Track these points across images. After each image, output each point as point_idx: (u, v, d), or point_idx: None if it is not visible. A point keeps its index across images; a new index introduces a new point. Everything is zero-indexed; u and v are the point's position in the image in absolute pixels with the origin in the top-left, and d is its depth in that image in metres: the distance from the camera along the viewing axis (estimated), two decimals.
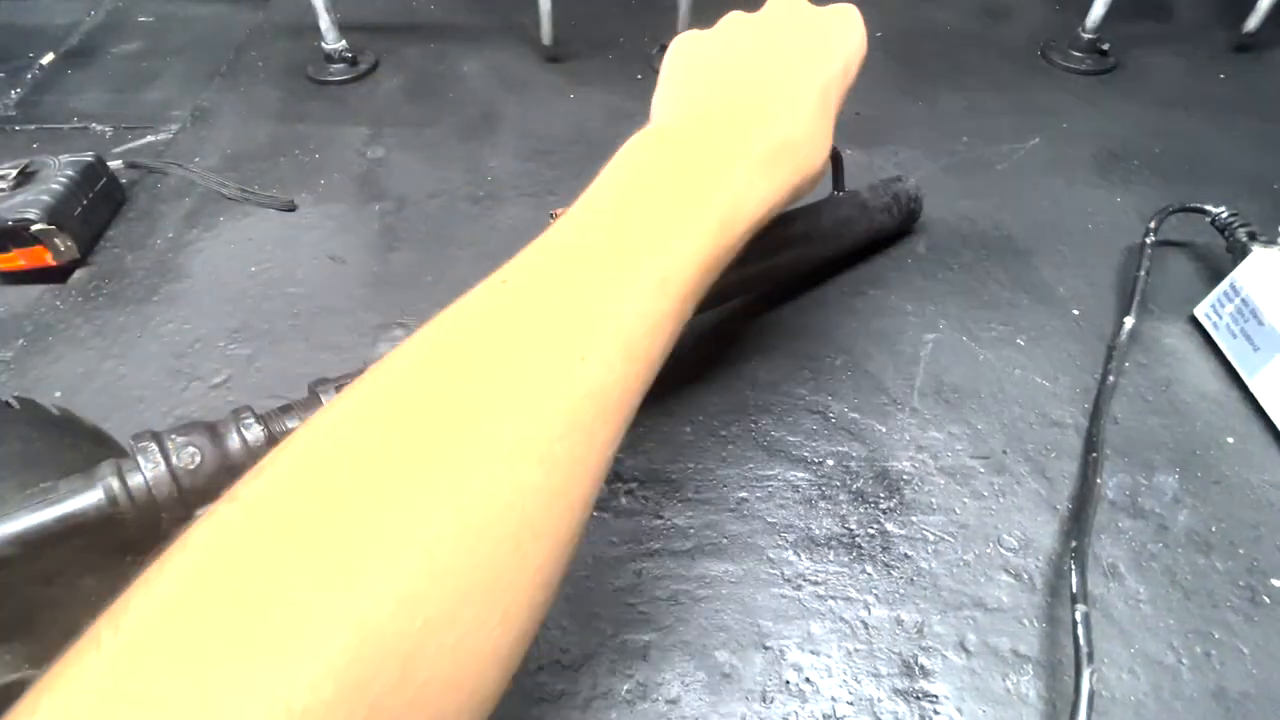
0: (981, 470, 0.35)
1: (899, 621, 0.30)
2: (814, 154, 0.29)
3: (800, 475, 0.35)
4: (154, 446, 0.24)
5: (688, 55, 0.31)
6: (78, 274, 0.44)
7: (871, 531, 0.33)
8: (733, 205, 0.24)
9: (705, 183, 0.24)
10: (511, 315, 0.20)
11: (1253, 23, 0.61)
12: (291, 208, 0.49)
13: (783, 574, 0.31)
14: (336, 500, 0.16)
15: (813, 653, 0.29)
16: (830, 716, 0.28)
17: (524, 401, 0.18)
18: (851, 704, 0.28)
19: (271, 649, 0.14)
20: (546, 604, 0.18)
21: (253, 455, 0.25)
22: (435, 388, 0.18)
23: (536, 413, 0.18)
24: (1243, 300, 0.38)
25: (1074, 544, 0.31)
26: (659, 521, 0.33)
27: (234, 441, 0.25)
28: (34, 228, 0.41)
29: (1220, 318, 0.39)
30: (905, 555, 0.32)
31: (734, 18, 0.32)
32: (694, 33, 0.32)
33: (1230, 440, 0.36)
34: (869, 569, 0.32)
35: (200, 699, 0.13)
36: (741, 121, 0.27)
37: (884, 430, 0.36)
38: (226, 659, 0.14)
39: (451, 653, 0.15)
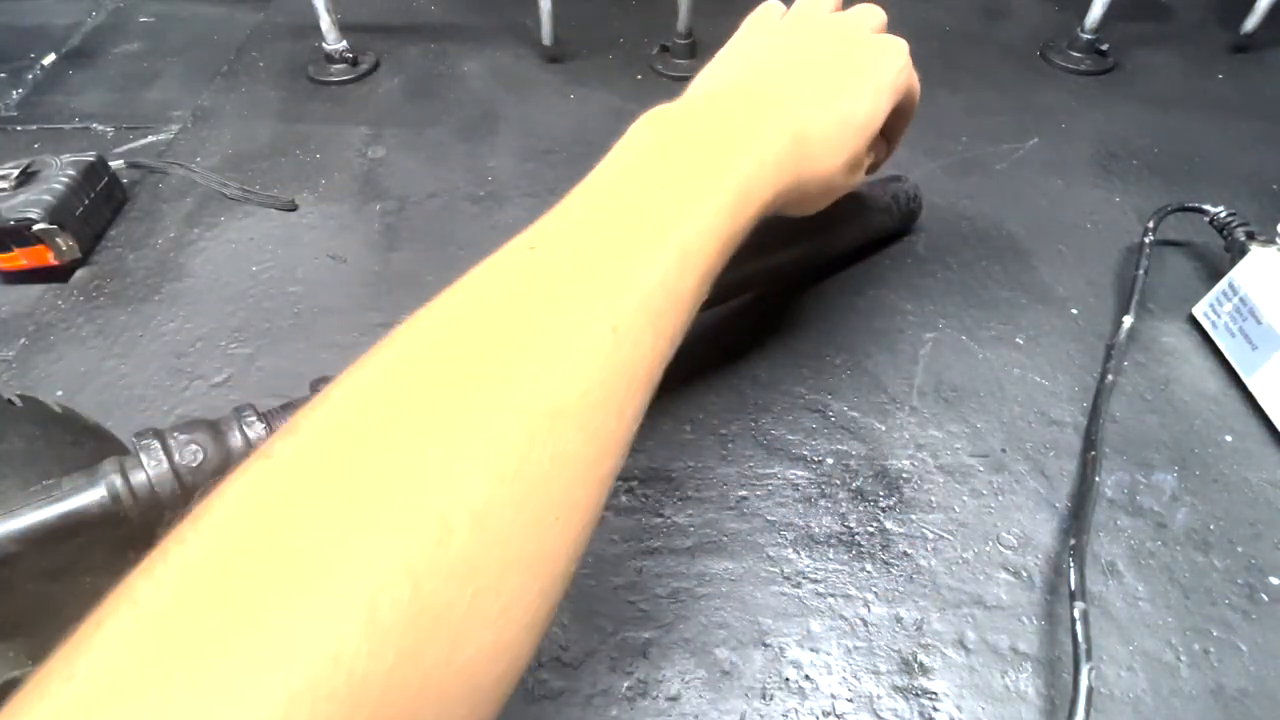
0: (980, 468, 0.35)
1: (898, 619, 0.30)
2: (826, 158, 0.29)
3: (800, 473, 0.35)
4: (156, 444, 0.24)
5: (751, 33, 0.33)
6: (79, 273, 0.44)
7: (871, 529, 0.33)
8: (745, 185, 0.24)
9: (721, 160, 0.24)
10: (544, 283, 0.20)
11: (1251, 23, 0.61)
12: (292, 207, 0.49)
13: (782, 572, 0.32)
14: (381, 461, 0.16)
15: (812, 650, 0.29)
16: (830, 713, 0.28)
17: (561, 369, 0.18)
18: (851, 701, 0.28)
19: (329, 613, 0.13)
20: (572, 576, 0.18)
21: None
22: (470, 350, 0.18)
23: (574, 381, 0.18)
24: (1241, 299, 0.38)
25: (1073, 542, 0.31)
26: (659, 519, 0.33)
27: (236, 439, 0.25)
28: (36, 227, 0.41)
29: (1219, 317, 0.39)
30: (904, 553, 0.32)
31: (804, 9, 0.33)
32: (773, 7, 0.34)
33: (1229, 439, 0.36)
34: (868, 567, 0.32)
35: (252, 659, 0.13)
36: (760, 107, 0.27)
37: (883, 429, 0.37)
38: (281, 619, 0.13)
39: (496, 622, 0.15)
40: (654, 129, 0.25)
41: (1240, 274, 0.38)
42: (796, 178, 0.28)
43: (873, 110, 0.31)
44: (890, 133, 0.36)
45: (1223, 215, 0.42)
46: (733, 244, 0.24)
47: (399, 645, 0.14)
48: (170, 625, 0.13)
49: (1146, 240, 0.44)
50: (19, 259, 0.43)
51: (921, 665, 0.29)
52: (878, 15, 0.34)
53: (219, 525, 0.15)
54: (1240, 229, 0.40)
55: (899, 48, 0.33)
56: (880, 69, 0.31)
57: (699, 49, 0.60)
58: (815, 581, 0.31)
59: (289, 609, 0.13)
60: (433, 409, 0.17)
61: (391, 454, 0.16)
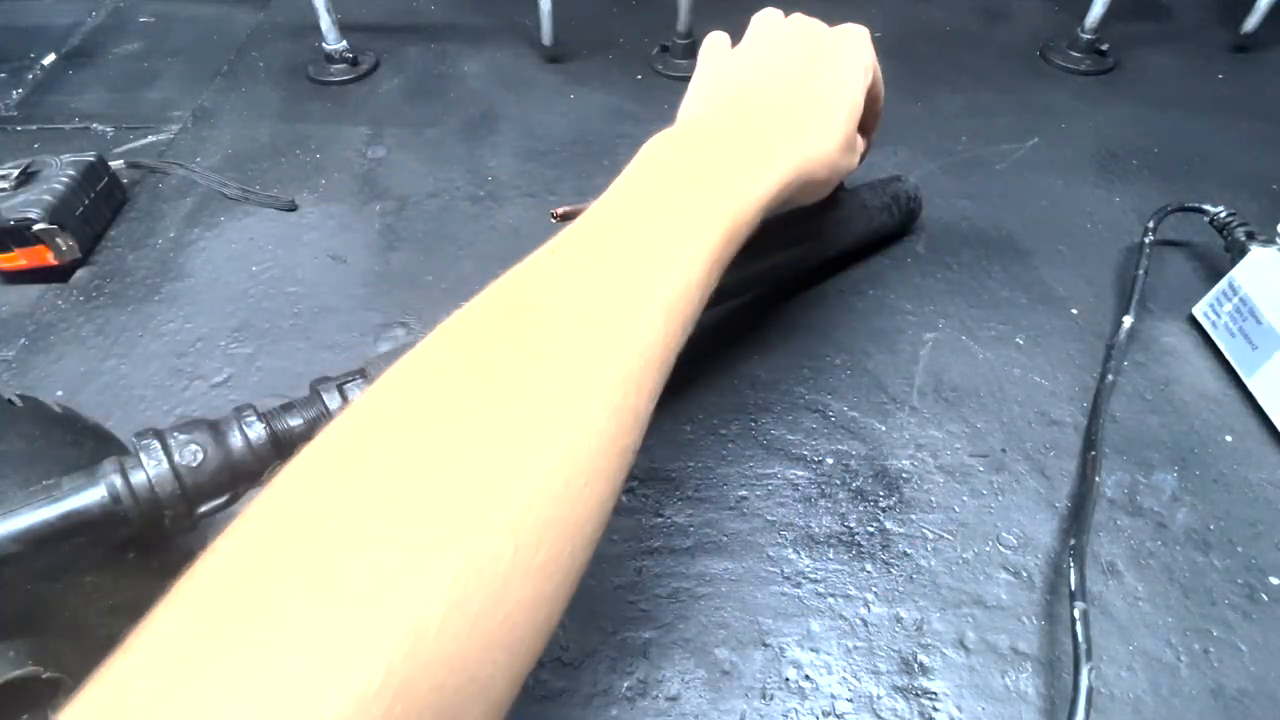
0: (980, 468, 0.35)
1: (898, 619, 0.30)
2: (822, 145, 0.31)
3: (800, 473, 0.35)
4: (156, 444, 0.24)
5: (715, 60, 0.35)
6: (79, 273, 0.44)
7: (871, 529, 0.33)
8: (747, 191, 0.27)
9: (726, 171, 0.27)
10: (570, 278, 0.23)
11: (1251, 23, 0.61)
12: (292, 207, 0.49)
13: (782, 572, 0.32)
14: (440, 439, 0.18)
15: (812, 650, 0.29)
16: (830, 713, 0.28)
17: (587, 352, 0.20)
18: (851, 701, 0.28)
19: (394, 570, 0.16)
20: (596, 542, 0.20)
21: (255, 453, 0.25)
22: (508, 340, 0.20)
23: (598, 362, 0.20)
24: (1241, 299, 0.38)
25: (1073, 542, 0.31)
26: (659, 519, 0.33)
27: (236, 439, 0.25)
28: (36, 227, 0.41)
29: (1219, 317, 0.39)
30: (904, 553, 0.32)
31: (761, 27, 0.35)
32: (722, 36, 0.36)
33: (1229, 438, 0.36)
34: (868, 567, 0.32)
35: (339, 608, 0.15)
36: (759, 121, 0.30)
37: (883, 429, 0.37)
38: (360, 568, 0.15)
39: (535, 576, 0.17)
40: (663, 149, 0.28)
41: (1240, 274, 0.38)
42: (800, 174, 0.30)
43: (850, 90, 0.33)
44: (863, 125, 0.37)
45: (1223, 215, 0.42)
46: (739, 239, 0.27)
47: (450, 594, 0.16)
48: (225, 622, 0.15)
49: (1146, 240, 0.44)
50: (19, 259, 0.43)
51: (921, 665, 0.29)
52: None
53: (288, 502, 0.17)
54: (1240, 229, 0.40)
55: (859, 30, 0.35)
56: (848, 51, 0.34)
57: (699, 49, 0.60)
58: (815, 581, 0.31)
59: (378, 563, 0.16)
60: (485, 390, 0.19)
61: (435, 438, 0.18)
